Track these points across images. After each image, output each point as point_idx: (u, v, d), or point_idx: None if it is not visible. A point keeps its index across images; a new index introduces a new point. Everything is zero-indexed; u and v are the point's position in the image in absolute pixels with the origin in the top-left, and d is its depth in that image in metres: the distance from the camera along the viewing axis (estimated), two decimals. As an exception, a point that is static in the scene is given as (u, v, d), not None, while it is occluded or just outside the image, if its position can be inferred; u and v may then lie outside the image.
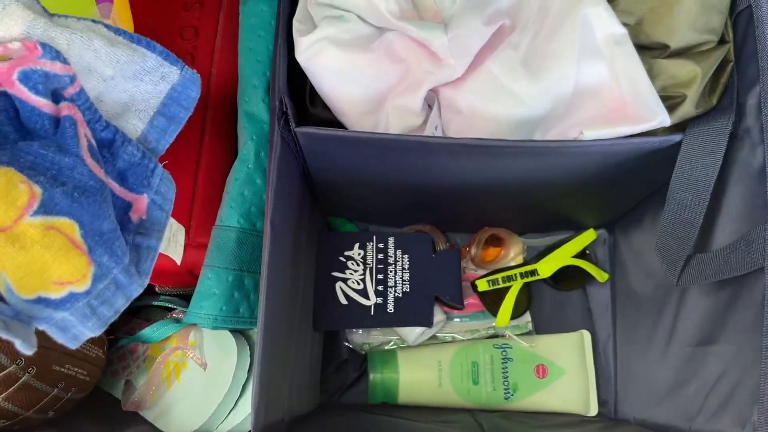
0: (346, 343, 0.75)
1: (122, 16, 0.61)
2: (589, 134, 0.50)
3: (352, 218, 0.79)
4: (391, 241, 0.73)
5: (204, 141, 0.66)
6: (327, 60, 0.53)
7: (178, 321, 0.66)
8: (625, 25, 0.51)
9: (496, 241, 0.76)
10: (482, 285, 0.73)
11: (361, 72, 0.54)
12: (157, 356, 0.67)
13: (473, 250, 0.75)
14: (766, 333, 0.45)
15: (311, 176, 0.64)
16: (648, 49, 0.52)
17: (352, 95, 0.54)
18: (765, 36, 0.49)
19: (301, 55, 0.53)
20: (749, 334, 0.48)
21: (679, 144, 0.52)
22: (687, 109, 0.51)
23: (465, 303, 0.73)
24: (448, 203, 0.68)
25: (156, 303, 0.69)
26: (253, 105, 0.62)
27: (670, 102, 0.51)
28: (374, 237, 0.73)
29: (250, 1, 0.64)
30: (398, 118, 0.54)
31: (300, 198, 0.63)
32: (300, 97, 0.59)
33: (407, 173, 0.60)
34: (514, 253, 0.75)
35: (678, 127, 0.53)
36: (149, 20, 0.70)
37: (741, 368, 0.49)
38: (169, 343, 0.67)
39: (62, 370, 0.59)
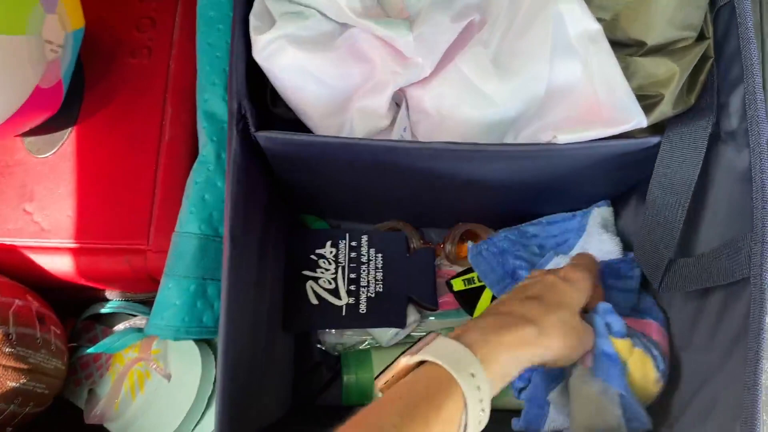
0: (319, 345, 0.73)
1: (70, 9, 0.57)
2: (563, 138, 0.48)
3: (324, 215, 0.76)
4: (364, 239, 0.70)
5: (163, 141, 0.62)
6: (286, 59, 0.50)
7: (140, 330, 0.63)
8: (600, 20, 0.49)
9: (471, 237, 0.74)
10: (458, 284, 0.71)
11: (323, 72, 0.50)
12: (120, 365, 0.65)
13: (448, 247, 0.73)
14: (752, 346, 0.43)
15: (277, 176, 0.61)
16: (624, 46, 0.50)
17: (314, 96, 0.51)
18: (749, 34, 0.47)
19: (259, 55, 0.50)
20: (733, 345, 0.46)
21: (657, 146, 0.50)
22: (664, 109, 0.49)
23: (440, 301, 0.70)
24: (422, 200, 0.66)
25: (117, 311, 0.66)
26: (213, 104, 0.58)
27: (647, 101, 0.49)
28: (347, 235, 0.70)
29: (207, -8, 0.60)
30: (363, 120, 0.51)
31: (266, 200, 0.60)
32: (261, 97, 0.56)
33: (377, 173, 0.57)
34: (488, 246, 0.73)
35: (656, 128, 0.50)
36: (102, 12, 0.67)
37: (724, 380, 0.47)
38: (132, 351, 0.64)
39: (17, 385, 0.56)
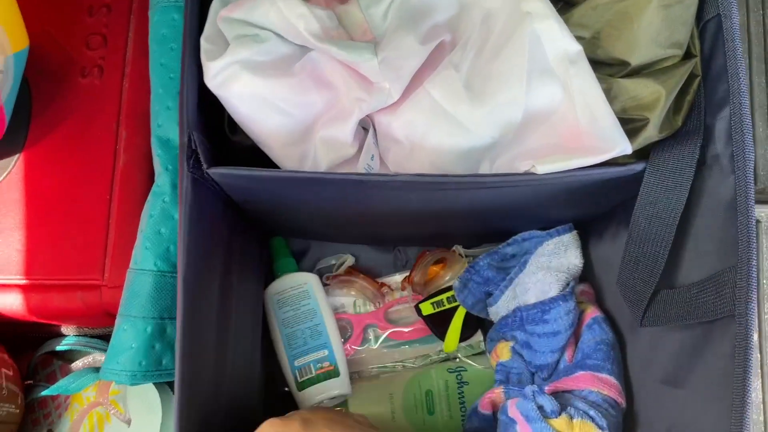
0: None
1: (10, 30, 0.53)
2: (543, 168, 0.45)
3: (291, 236, 0.72)
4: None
5: (117, 167, 0.59)
6: (241, 87, 0.46)
7: (98, 369, 0.60)
8: (579, 39, 0.45)
9: (438, 261, 0.71)
10: (426, 308, 0.68)
11: (282, 99, 0.47)
12: (79, 405, 0.61)
13: (416, 278, 0.69)
14: (738, 391, 0.40)
15: (238, 206, 0.57)
16: (605, 66, 0.46)
17: (273, 126, 0.48)
18: (736, 52, 0.43)
19: (211, 82, 0.46)
20: (716, 387, 0.43)
21: (641, 173, 0.47)
22: (650, 134, 0.46)
23: (411, 328, 0.68)
24: (390, 224, 0.62)
25: (74, 347, 0.62)
26: (168, 129, 0.55)
27: (632, 126, 0.46)
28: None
29: (158, 8, 0.56)
30: (327, 150, 0.48)
31: (226, 232, 0.56)
32: (218, 123, 0.52)
33: (344, 203, 0.54)
34: (455, 272, 0.70)
35: (640, 153, 0.47)
36: (49, 27, 0.62)
37: (704, 422, 0.45)
38: (92, 390, 0.61)
39: (-36, 437, 0.53)
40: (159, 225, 0.53)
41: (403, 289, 0.71)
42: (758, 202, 0.74)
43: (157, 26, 0.56)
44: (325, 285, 0.70)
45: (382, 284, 0.72)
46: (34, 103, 0.60)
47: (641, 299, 0.48)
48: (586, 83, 0.44)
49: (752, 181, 0.42)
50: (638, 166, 0.46)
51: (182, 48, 0.48)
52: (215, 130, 0.51)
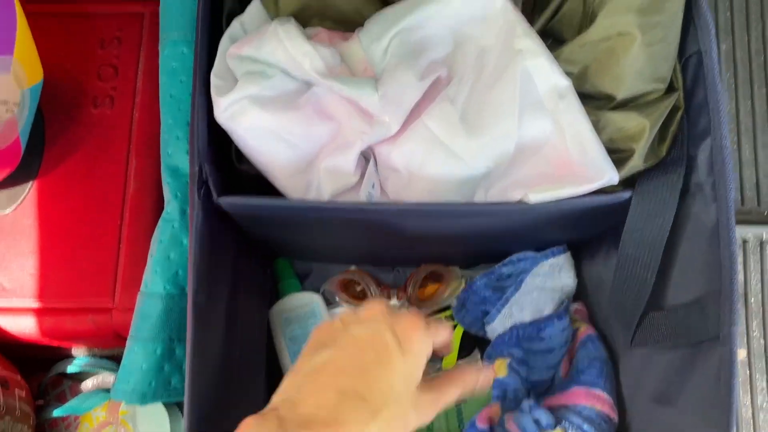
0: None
1: (26, 64, 0.55)
2: (535, 197, 0.47)
3: (295, 257, 0.74)
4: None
5: (127, 193, 0.61)
6: (249, 120, 0.48)
7: (108, 390, 0.62)
8: (568, 74, 0.48)
9: (434, 278, 0.73)
10: (427, 328, 0.70)
11: (288, 131, 0.49)
12: (89, 425, 0.63)
13: (410, 290, 0.71)
14: (724, 412, 0.42)
15: (244, 230, 0.59)
16: (593, 99, 0.49)
17: (279, 157, 0.50)
18: (716, 88, 0.46)
19: (221, 116, 0.49)
20: (704, 406, 0.45)
21: (628, 201, 0.49)
22: (636, 164, 0.48)
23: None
24: (390, 247, 0.65)
25: (85, 368, 0.64)
26: (177, 158, 0.57)
27: (618, 155, 0.48)
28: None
29: (168, 43, 0.58)
30: (330, 179, 0.50)
31: (233, 255, 0.58)
32: (226, 153, 0.54)
33: (347, 228, 0.56)
34: (452, 288, 0.72)
35: (627, 181, 0.50)
36: (63, 60, 0.65)
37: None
38: (101, 410, 0.62)
39: (-20, 456, 0.54)
40: (168, 250, 0.56)
41: (399, 299, 0.73)
42: (745, 222, 0.76)
43: (167, 60, 0.59)
44: (329, 304, 0.72)
45: (385, 287, 0.74)
46: (47, 132, 0.63)
47: (631, 321, 0.50)
48: (575, 116, 0.47)
49: (732, 210, 0.44)
50: (625, 194, 0.49)
51: (193, 82, 0.50)
52: (222, 159, 0.54)
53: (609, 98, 0.48)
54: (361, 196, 0.51)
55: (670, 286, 0.50)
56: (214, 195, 0.48)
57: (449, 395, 0.43)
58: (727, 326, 0.43)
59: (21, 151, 0.58)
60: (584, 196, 0.48)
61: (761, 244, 0.76)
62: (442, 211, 0.48)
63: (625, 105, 0.48)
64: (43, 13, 0.65)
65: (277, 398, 0.38)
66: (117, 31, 0.66)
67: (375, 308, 0.42)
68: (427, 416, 0.42)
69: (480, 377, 0.45)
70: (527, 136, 0.48)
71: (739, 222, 0.76)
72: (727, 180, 0.45)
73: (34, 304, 0.59)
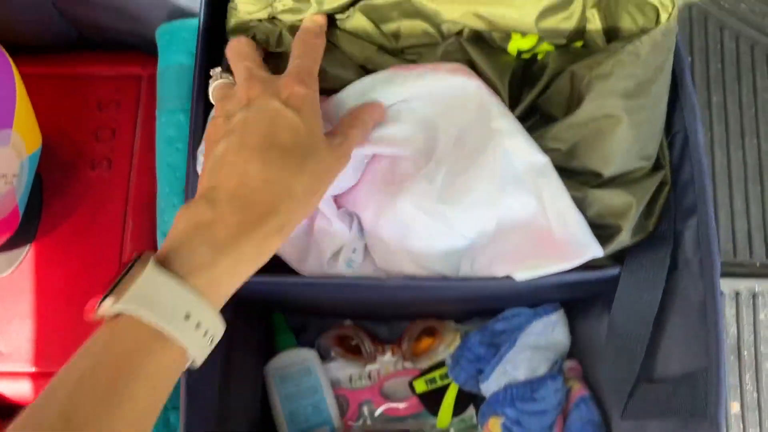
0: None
1: (25, 134, 0.56)
2: (520, 276, 0.48)
3: (290, 312, 0.75)
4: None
5: (123, 257, 0.62)
6: None
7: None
8: (556, 150, 0.49)
9: (428, 331, 0.74)
10: (420, 386, 0.70)
11: None
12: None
13: (404, 345, 0.72)
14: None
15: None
16: (581, 175, 0.50)
17: None
18: (703, 168, 0.47)
19: None
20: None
21: (618, 276, 0.50)
22: (623, 239, 0.49)
23: (406, 403, 0.70)
24: (383, 308, 0.66)
25: None
26: (173, 225, 0.58)
27: (606, 231, 0.49)
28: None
29: (165, 110, 0.60)
30: (327, 239, 0.51)
31: (230, 316, 0.58)
32: None
33: (337, 292, 0.57)
34: (447, 343, 0.72)
35: (616, 256, 0.50)
36: (61, 122, 0.66)
37: None
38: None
39: None
40: (164, 318, 0.56)
41: (393, 354, 0.74)
42: (737, 274, 0.77)
43: (164, 127, 0.60)
44: (323, 359, 0.73)
45: (379, 342, 0.74)
46: (45, 195, 0.64)
47: (621, 393, 0.51)
48: (556, 192, 0.47)
49: (719, 290, 0.45)
50: (614, 270, 0.50)
51: (188, 154, 0.51)
52: None
53: (596, 175, 0.49)
54: (340, 262, 0.51)
55: (660, 359, 0.51)
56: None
57: (353, 136, 0.44)
58: (714, 406, 0.44)
59: (19, 218, 0.58)
60: (573, 272, 0.49)
61: (754, 296, 0.77)
62: (428, 286, 0.49)
63: (612, 182, 0.49)
64: (41, 75, 0.67)
65: (198, 194, 0.39)
66: (115, 93, 0.67)
67: (248, 87, 0.42)
68: (344, 160, 0.44)
69: (374, 112, 0.47)
70: (509, 213, 0.48)
71: (731, 274, 0.77)
72: (713, 261, 0.45)
73: (32, 368, 0.59)
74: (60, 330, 0.60)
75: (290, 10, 0.49)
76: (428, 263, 0.51)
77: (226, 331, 0.57)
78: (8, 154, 0.53)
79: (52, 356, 0.59)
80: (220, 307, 0.37)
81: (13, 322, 0.60)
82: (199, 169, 0.49)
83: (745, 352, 0.76)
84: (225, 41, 0.51)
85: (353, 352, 0.73)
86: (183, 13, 0.64)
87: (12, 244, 0.62)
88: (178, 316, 0.34)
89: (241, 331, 0.64)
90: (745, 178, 0.81)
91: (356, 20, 0.50)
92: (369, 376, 0.73)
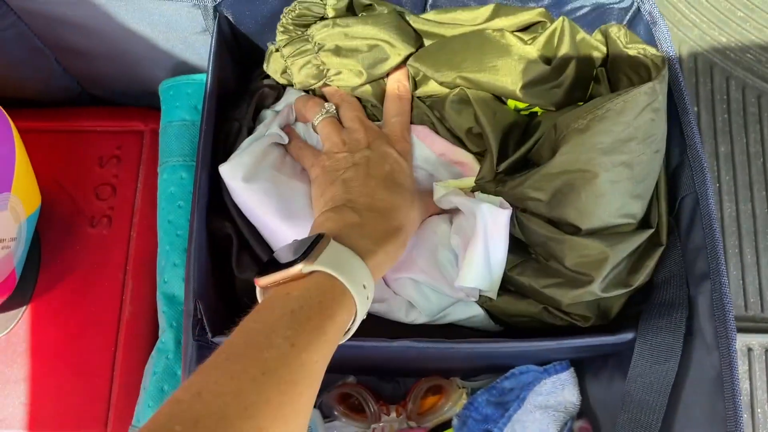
0: None
1: (24, 196, 0.55)
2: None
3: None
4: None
5: (122, 318, 0.60)
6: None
7: None
8: (537, 200, 0.48)
9: (434, 389, 0.72)
10: (428, 445, 0.68)
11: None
12: None
13: (409, 405, 0.70)
14: None
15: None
16: (562, 224, 0.49)
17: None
18: (714, 234, 0.46)
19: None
20: None
21: (632, 341, 0.48)
22: (592, 290, 0.47)
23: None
24: (390, 365, 0.64)
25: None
26: (173, 286, 0.57)
27: (579, 278, 0.48)
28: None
29: (167, 167, 0.59)
30: None
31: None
32: (226, 261, 0.54)
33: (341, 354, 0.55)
34: (453, 401, 0.70)
35: (631, 323, 0.49)
36: (61, 178, 0.65)
37: None
38: None
39: None
40: (162, 382, 0.55)
41: (398, 415, 0.72)
42: (749, 330, 0.75)
43: (165, 184, 0.59)
44: (325, 418, 0.71)
45: (383, 402, 0.72)
46: (43, 253, 0.63)
47: (638, 466, 0.49)
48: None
49: (737, 363, 0.44)
50: (628, 336, 0.48)
51: (191, 211, 0.50)
52: (221, 273, 0.53)
53: (575, 228, 0.48)
54: None
55: (676, 430, 0.49)
56: (209, 335, 0.47)
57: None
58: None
59: (16, 282, 0.57)
60: (587, 336, 0.48)
61: (766, 351, 0.75)
62: (433, 348, 0.48)
63: (591, 234, 0.48)
64: (42, 129, 0.66)
65: (335, 204, 0.46)
66: (116, 149, 0.66)
67: (366, 133, 0.52)
68: (431, 208, 0.53)
69: None
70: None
71: (743, 329, 0.75)
72: (729, 328, 0.44)
73: (25, 434, 0.57)
74: (55, 394, 0.59)
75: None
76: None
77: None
78: (6, 218, 0.52)
79: (46, 421, 0.58)
80: None
81: (6, 386, 0.59)
82: None
83: (759, 410, 0.74)
84: (231, 97, 0.52)
85: (356, 411, 0.71)
86: (186, 69, 0.64)
87: (8, 305, 0.60)
88: (358, 283, 0.40)
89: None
90: (754, 230, 0.79)
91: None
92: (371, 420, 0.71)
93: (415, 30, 0.55)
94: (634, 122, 0.46)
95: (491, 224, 0.48)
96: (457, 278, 0.49)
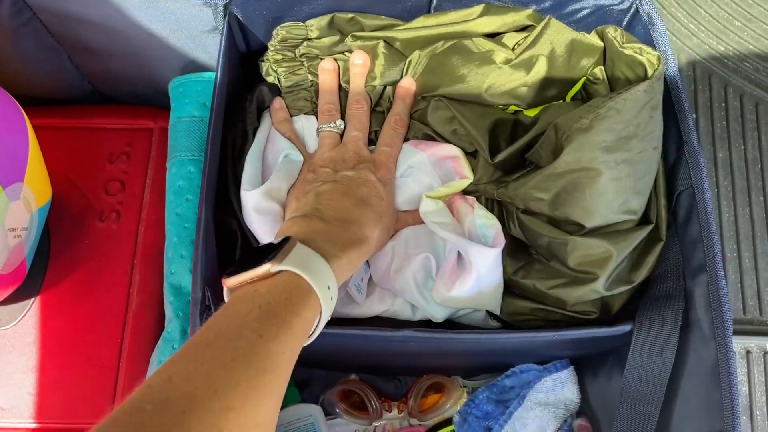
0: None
1: (36, 187, 0.56)
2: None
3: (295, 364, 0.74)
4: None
5: (129, 310, 0.61)
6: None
7: None
8: (541, 200, 0.50)
9: (435, 388, 0.72)
10: (429, 444, 0.69)
11: None
12: None
13: (411, 402, 0.71)
14: None
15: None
16: (565, 224, 0.50)
17: None
18: (710, 227, 0.47)
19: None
20: None
21: (629, 333, 0.49)
22: (596, 288, 0.48)
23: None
24: (392, 361, 0.65)
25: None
26: (180, 277, 0.57)
27: (584, 277, 0.49)
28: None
29: (176, 161, 0.60)
30: None
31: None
32: (231, 255, 0.55)
33: (344, 346, 0.56)
34: (454, 399, 0.71)
35: (627, 313, 0.50)
36: (71, 174, 0.66)
37: None
38: None
39: None
40: (168, 372, 0.55)
41: (399, 412, 0.72)
42: (747, 333, 0.76)
43: (174, 178, 0.60)
44: (328, 415, 0.71)
45: (385, 398, 0.73)
46: (52, 246, 0.64)
47: (636, 458, 0.49)
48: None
49: (733, 352, 0.44)
50: (626, 327, 0.49)
51: (199, 203, 0.51)
52: (228, 262, 0.54)
53: (579, 226, 0.49)
54: (350, 285, 0.53)
55: (674, 421, 0.50)
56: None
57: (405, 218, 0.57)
58: (729, 473, 0.43)
59: (26, 271, 0.58)
60: (585, 327, 0.49)
61: (765, 354, 0.75)
62: (436, 338, 0.49)
63: (595, 231, 0.49)
64: (54, 126, 0.68)
65: (303, 212, 0.49)
66: (126, 146, 0.67)
67: (356, 156, 0.55)
68: (400, 225, 0.56)
69: None
70: None
71: (741, 332, 0.76)
72: (725, 318, 0.45)
73: (32, 424, 0.58)
74: (62, 384, 0.59)
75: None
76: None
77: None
78: (19, 207, 0.54)
79: (53, 411, 0.58)
80: None
81: (14, 376, 0.59)
82: None
83: (758, 413, 0.74)
84: (240, 94, 0.53)
85: (358, 408, 0.71)
86: (195, 67, 0.65)
87: (17, 296, 0.61)
88: (323, 284, 0.42)
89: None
90: (752, 234, 0.80)
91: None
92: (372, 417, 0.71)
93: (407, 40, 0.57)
94: (634, 120, 0.47)
95: (483, 265, 0.50)
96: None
